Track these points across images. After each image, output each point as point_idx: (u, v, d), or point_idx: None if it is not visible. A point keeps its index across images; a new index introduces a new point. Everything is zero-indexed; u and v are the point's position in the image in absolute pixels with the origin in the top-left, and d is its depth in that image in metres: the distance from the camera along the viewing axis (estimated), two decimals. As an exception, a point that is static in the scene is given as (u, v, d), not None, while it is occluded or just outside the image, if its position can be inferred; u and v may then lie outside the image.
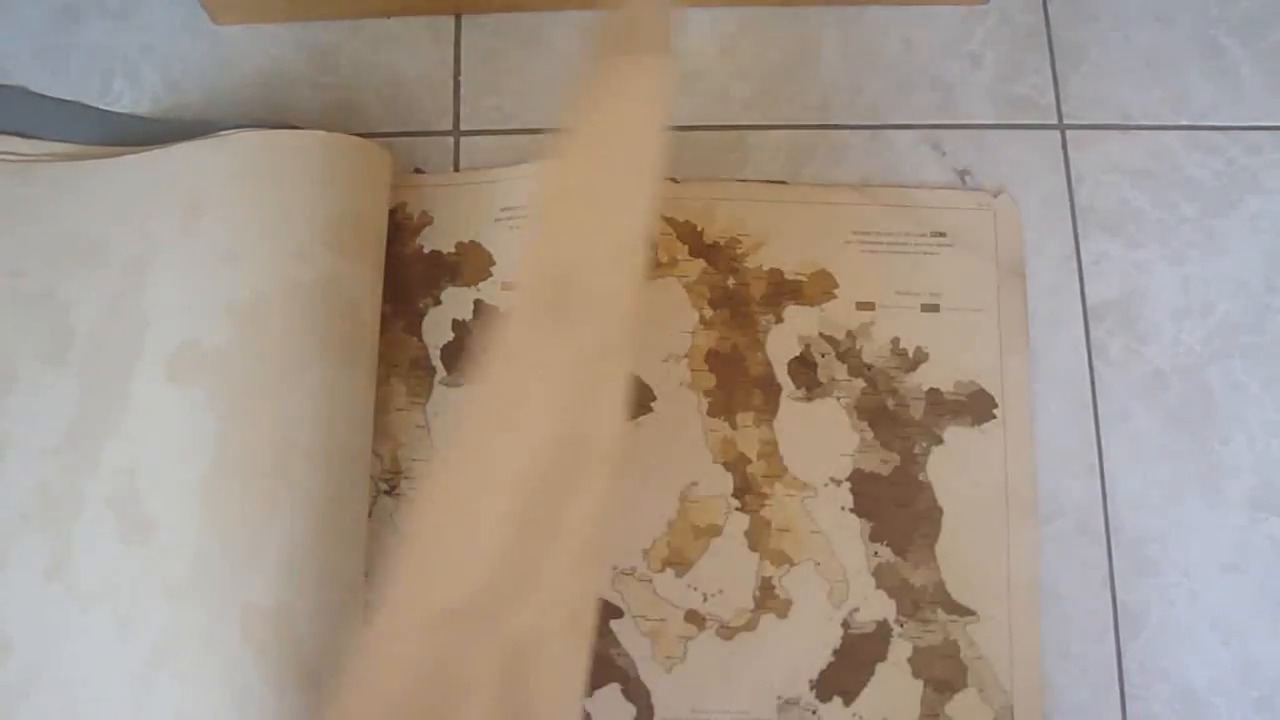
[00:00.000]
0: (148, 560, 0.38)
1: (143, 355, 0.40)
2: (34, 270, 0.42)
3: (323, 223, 0.42)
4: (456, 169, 0.48)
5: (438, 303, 0.46)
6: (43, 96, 0.48)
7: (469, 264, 0.46)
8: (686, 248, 0.47)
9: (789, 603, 0.43)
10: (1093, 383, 0.46)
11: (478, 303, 0.46)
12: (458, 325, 0.46)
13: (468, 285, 0.46)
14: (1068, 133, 0.49)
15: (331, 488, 0.39)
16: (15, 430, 0.40)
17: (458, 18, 0.50)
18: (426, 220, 0.47)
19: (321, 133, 0.43)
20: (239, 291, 0.40)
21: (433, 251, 0.47)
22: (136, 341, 0.40)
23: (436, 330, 0.46)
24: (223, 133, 0.44)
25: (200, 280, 0.41)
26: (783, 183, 0.48)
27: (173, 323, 0.40)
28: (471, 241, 0.47)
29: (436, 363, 0.45)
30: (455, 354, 0.45)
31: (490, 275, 0.46)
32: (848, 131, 0.49)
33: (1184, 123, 0.49)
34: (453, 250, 0.47)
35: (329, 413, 0.40)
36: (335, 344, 0.41)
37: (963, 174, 0.49)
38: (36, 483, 0.39)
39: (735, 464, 0.44)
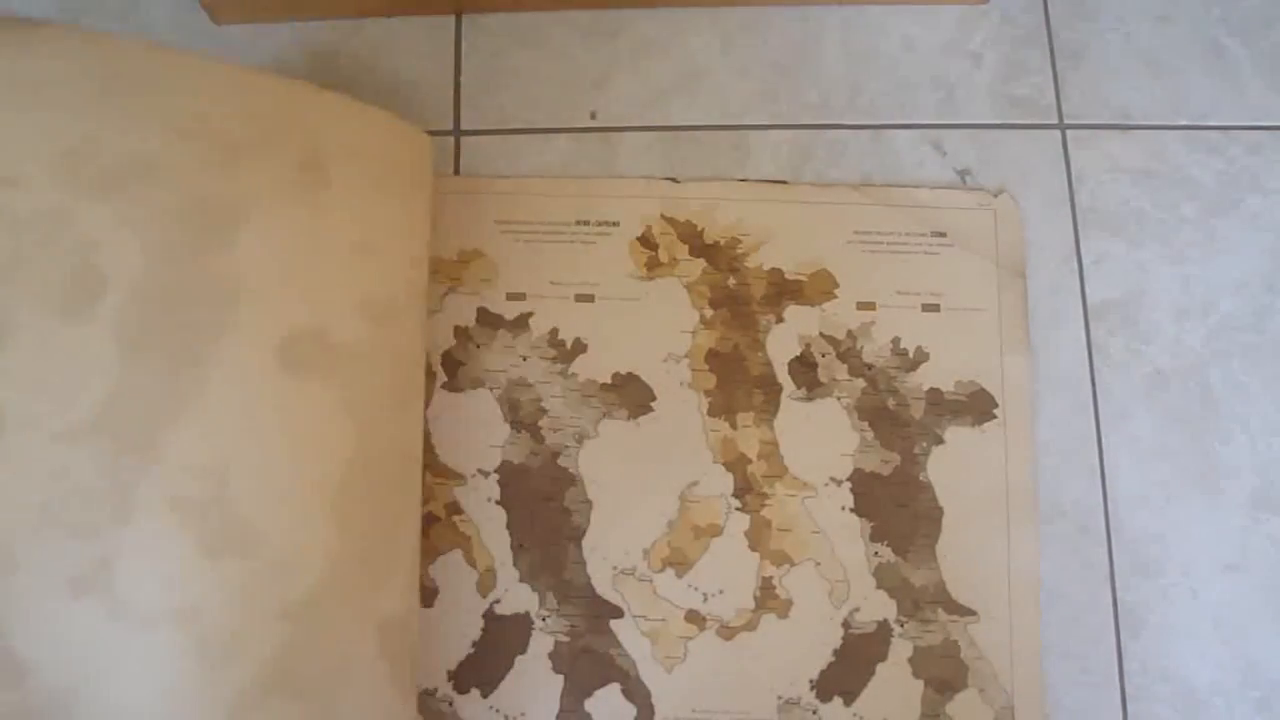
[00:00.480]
0: (250, 575, 0.32)
1: (236, 329, 0.33)
2: (37, 182, 0.31)
3: (429, 229, 0.40)
4: (457, 169, 0.48)
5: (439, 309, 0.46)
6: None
7: (473, 271, 0.46)
8: (687, 247, 0.47)
9: (789, 603, 0.43)
10: (1093, 382, 0.46)
11: (480, 310, 0.46)
12: (459, 331, 0.46)
13: (471, 293, 0.46)
14: (1068, 132, 0.49)
15: (420, 495, 0.40)
16: (14, 400, 0.30)
17: (458, 18, 0.50)
18: (427, 220, 0.47)
19: (414, 128, 0.40)
20: (375, 288, 0.36)
21: (434, 257, 0.47)
22: (219, 310, 0.33)
23: (438, 336, 0.46)
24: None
25: (328, 263, 0.35)
26: (783, 182, 0.48)
27: (286, 301, 0.34)
28: (475, 249, 0.47)
29: (438, 368, 0.45)
30: (457, 360, 0.46)
31: (494, 283, 0.46)
32: (848, 131, 0.49)
33: (1184, 122, 0.49)
34: (455, 258, 0.47)
35: (423, 421, 0.40)
36: (426, 351, 0.40)
37: (963, 174, 0.49)
38: (52, 471, 0.31)
39: (736, 464, 0.44)
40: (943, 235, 0.47)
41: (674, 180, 0.48)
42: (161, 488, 0.32)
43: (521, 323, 0.46)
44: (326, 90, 0.37)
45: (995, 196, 0.48)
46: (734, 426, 0.45)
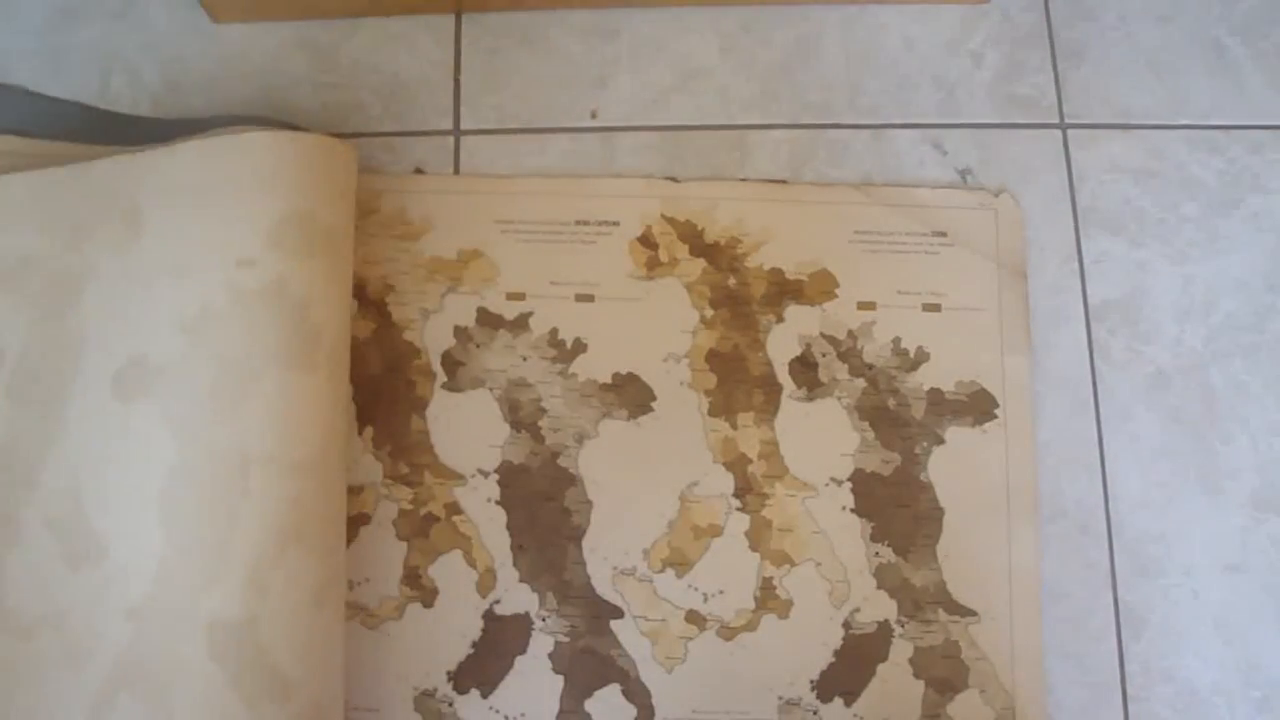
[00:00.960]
0: (101, 581, 0.38)
1: (83, 373, 0.40)
2: None
3: (268, 226, 0.40)
4: (456, 169, 0.48)
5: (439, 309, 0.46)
6: (42, 96, 0.48)
7: (472, 271, 0.46)
8: (687, 247, 0.47)
9: (790, 603, 0.43)
10: (1094, 382, 0.46)
11: (480, 310, 0.46)
12: (459, 331, 0.46)
13: (471, 293, 0.46)
14: (1069, 132, 0.49)
15: (297, 495, 0.39)
16: None
17: (458, 17, 0.50)
18: (427, 226, 0.47)
19: (265, 133, 0.42)
20: (186, 304, 0.40)
21: (433, 257, 0.47)
22: (74, 359, 0.40)
23: (437, 336, 0.46)
24: (177, 142, 0.43)
25: (144, 295, 0.41)
26: (783, 182, 0.48)
27: (116, 339, 0.40)
28: (475, 249, 0.47)
29: (438, 368, 0.45)
30: (457, 360, 0.45)
31: (494, 283, 0.46)
32: (848, 131, 0.49)
33: (1185, 122, 0.49)
34: (455, 258, 0.47)
35: (288, 419, 0.39)
36: (290, 349, 0.40)
37: (964, 173, 0.48)
38: None
39: (736, 464, 0.44)
40: (943, 235, 0.47)
41: (674, 180, 0.48)
42: (38, 510, 0.39)
43: (521, 323, 0.46)
44: (145, 151, 0.43)
45: (996, 196, 0.48)
46: (734, 426, 0.45)
